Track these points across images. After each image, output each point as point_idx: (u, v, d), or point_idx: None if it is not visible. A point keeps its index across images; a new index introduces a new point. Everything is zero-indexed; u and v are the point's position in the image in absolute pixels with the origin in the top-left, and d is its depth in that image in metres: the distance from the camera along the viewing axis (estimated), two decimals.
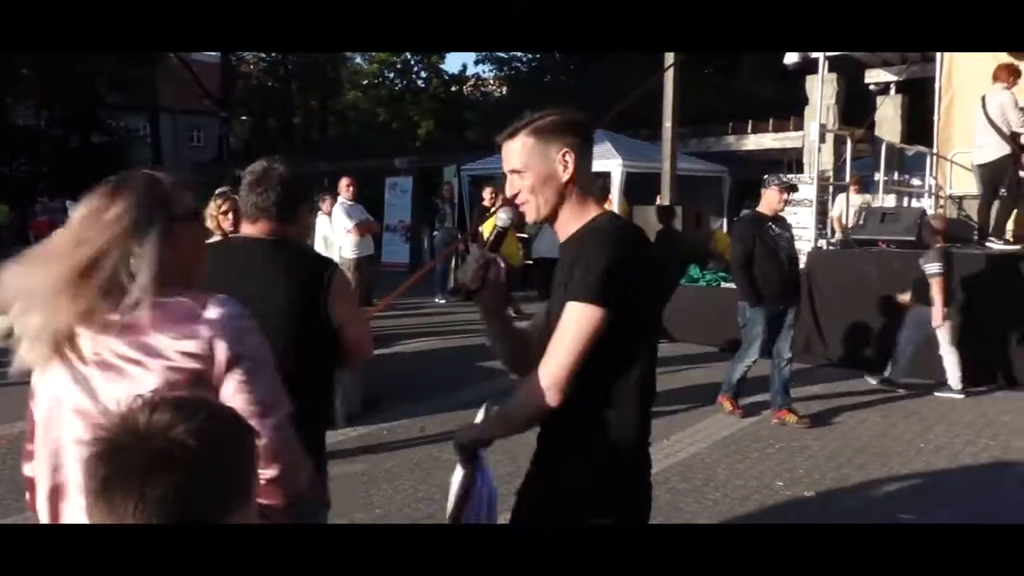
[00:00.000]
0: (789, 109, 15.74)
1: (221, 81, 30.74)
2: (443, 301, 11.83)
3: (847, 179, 10.51)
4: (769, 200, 5.99)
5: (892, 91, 12.41)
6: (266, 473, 1.41)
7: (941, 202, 9.77)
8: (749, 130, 17.54)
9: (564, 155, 1.83)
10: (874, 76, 12.44)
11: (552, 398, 1.71)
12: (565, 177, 1.83)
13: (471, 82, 37.29)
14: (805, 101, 12.38)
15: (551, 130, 1.83)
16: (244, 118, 36.04)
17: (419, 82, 36.23)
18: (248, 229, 2.32)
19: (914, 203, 10.57)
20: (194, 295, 1.49)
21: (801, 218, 9.33)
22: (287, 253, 2.27)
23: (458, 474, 1.94)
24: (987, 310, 7.11)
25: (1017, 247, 7.74)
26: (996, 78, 7.87)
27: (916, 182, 10.94)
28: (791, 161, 14.40)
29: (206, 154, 33.81)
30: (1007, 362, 7.00)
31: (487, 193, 11.06)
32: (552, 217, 1.87)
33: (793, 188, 6.28)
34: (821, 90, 9.90)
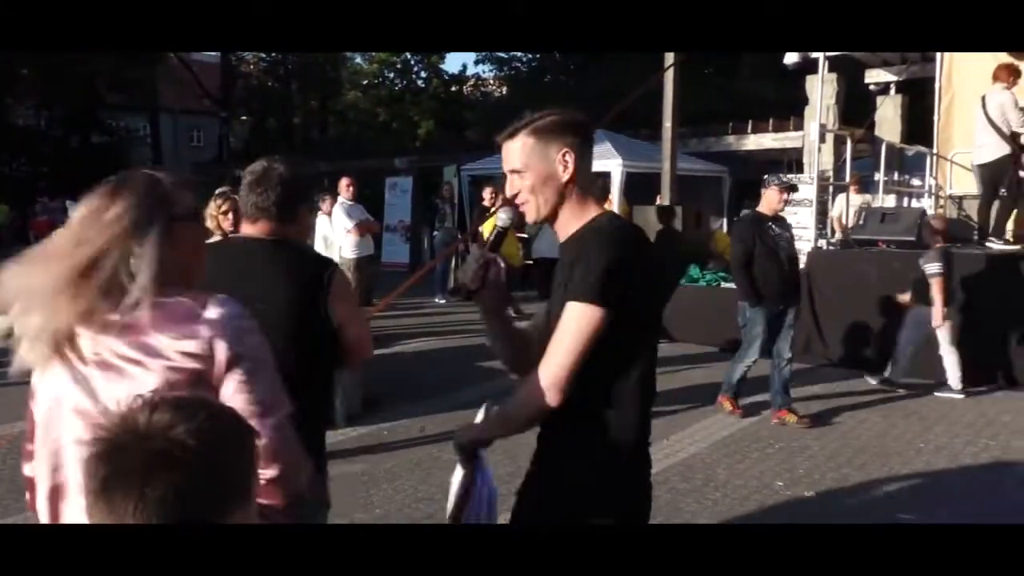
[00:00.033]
0: (789, 109, 15.74)
1: (221, 81, 30.75)
2: (443, 301, 11.83)
3: (847, 179, 10.51)
4: (769, 200, 5.99)
5: (892, 91, 12.41)
6: (266, 473, 1.41)
7: (941, 202, 9.77)
8: (749, 130, 17.54)
9: (564, 155, 1.83)
10: (874, 76, 12.44)
11: (552, 398, 1.71)
12: (565, 177, 1.83)
13: (471, 82, 37.30)
14: (805, 101, 12.38)
15: (551, 130, 1.83)
16: (244, 118, 36.05)
17: (419, 82, 36.24)
18: (248, 229, 2.32)
19: (914, 203, 10.57)
20: (194, 295, 1.49)
21: (801, 218, 9.33)
22: (287, 253, 2.27)
23: (458, 474, 1.94)
24: (987, 310, 7.11)
25: (1017, 247, 7.73)
26: (996, 78, 7.87)
27: (916, 182, 10.94)
28: (791, 161, 14.40)
29: (206, 154, 33.81)
30: (1007, 362, 7.00)
31: (487, 193, 11.06)
32: (552, 217, 1.87)
33: (793, 188, 6.28)
34: (821, 90, 9.90)
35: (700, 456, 5.21)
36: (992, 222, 7.97)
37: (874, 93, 12.65)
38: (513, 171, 1.86)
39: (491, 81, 36.54)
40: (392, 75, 36.21)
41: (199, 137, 36.78)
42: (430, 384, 6.96)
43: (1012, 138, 7.75)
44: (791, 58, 11.57)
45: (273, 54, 32.97)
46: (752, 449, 5.36)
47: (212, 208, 4.28)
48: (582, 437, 1.79)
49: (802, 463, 5.09)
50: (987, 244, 7.82)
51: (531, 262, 12.61)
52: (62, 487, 1.49)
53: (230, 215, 4.27)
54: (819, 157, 9.77)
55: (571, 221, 1.86)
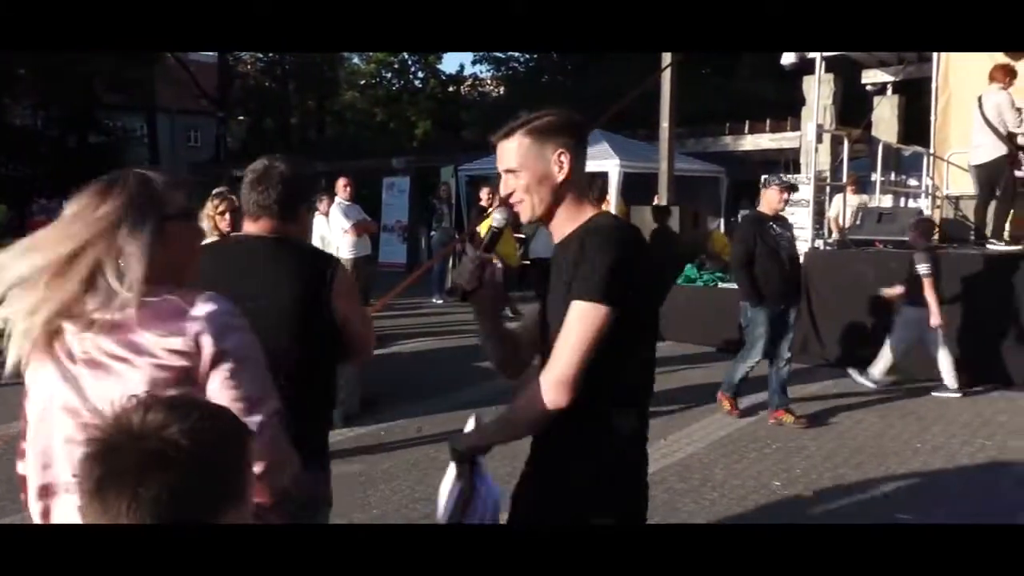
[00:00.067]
0: (786, 109, 15.75)
1: (218, 81, 30.70)
2: (441, 301, 11.83)
3: (844, 179, 10.52)
4: (769, 200, 6.00)
5: (889, 91, 12.43)
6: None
7: (938, 202, 9.79)
8: (746, 130, 17.55)
9: (560, 155, 1.83)
10: (871, 76, 12.45)
11: (561, 398, 1.71)
12: (560, 177, 1.84)
13: (468, 82, 37.29)
14: (802, 101, 12.40)
15: (547, 130, 1.84)
16: (241, 118, 36.01)
17: (416, 82, 36.22)
18: (250, 227, 2.33)
19: (911, 203, 10.59)
20: (183, 293, 1.49)
21: (798, 218, 9.33)
22: (289, 250, 2.29)
23: (447, 481, 1.93)
24: (984, 310, 7.13)
25: (1015, 248, 7.74)
26: (992, 79, 7.88)
27: (913, 182, 10.96)
28: (788, 161, 14.43)
29: (203, 154, 33.77)
30: (1004, 362, 7.01)
31: (484, 193, 11.06)
32: (546, 217, 1.88)
33: (793, 188, 6.30)
34: (818, 90, 9.92)
35: (697, 456, 5.21)
36: (990, 223, 7.98)
37: (871, 93, 12.67)
38: (508, 171, 1.87)
39: (488, 81, 36.54)
40: (389, 75, 36.18)
41: (196, 137, 36.73)
42: (428, 384, 6.97)
43: (1009, 138, 7.77)
44: (788, 59, 11.57)
45: (270, 54, 32.93)
46: (750, 449, 5.37)
47: (209, 208, 4.28)
48: (586, 437, 1.78)
49: (799, 463, 5.09)
50: (988, 245, 7.83)
51: (528, 262, 12.61)
52: (52, 486, 1.50)
53: (227, 215, 4.26)
54: (816, 157, 9.80)
55: (567, 221, 1.87)
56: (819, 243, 9.24)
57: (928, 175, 9.94)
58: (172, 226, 1.52)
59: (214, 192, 4.39)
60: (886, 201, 10.23)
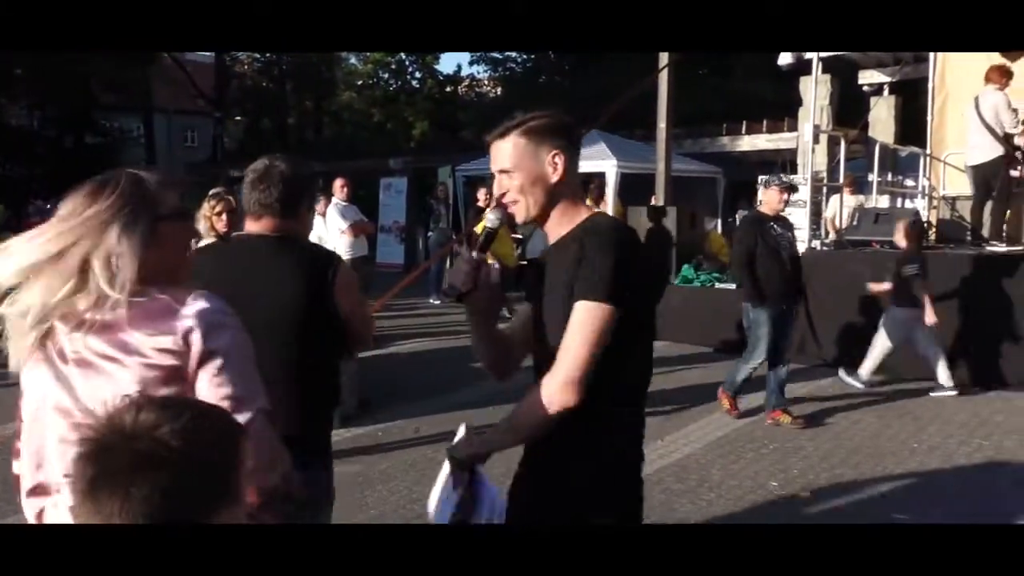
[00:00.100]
0: (783, 110, 15.78)
1: (215, 81, 30.67)
2: (438, 302, 11.82)
3: (841, 180, 10.53)
4: (770, 200, 6.01)
5: (885, 92, 12.46)
6: None
7: (934, 203, 9.80)
8: (743, 131, 17.58)
9: (554, 156, 1.84)
10: (868, 77, 12.48)
11: (571, 398, 1.71)
12: (555, 178, 1.85)
13: (466, 83, 37.29)
14: (799, 102, 12.41)
15: (543, 131, 1.85)
16: (238, 118, 35.99)
17: (414, 83, 36.21)
18: (252, 226, 2.37)
19: (908, 204, 10.61)
20: (174, 292, 1.50)
21: (795, 219, 9.30)
22: (292, 248, 2.33)
23: (440, 484, 1.92)
24: (981, 311, 7.14)
25: (1012, 248, 7.76)
26: (988, 80, 7.90)
27: (910, 183, 10.97)
28: (785, 162, 14.44)
29: (200, 154, 33.73)
30: (1001, 363, 7.02)
31: (482, 194, 11.06)
32: (540, 218, 1.89)
33: (793, 188, 6.34)
34: (815, 91, 9.93)
35: (695, 457, 5.22)
36: (987, 223, 8.00)
37: (868, 94, 12.70)
38: (502, 171, 1.88)
39: (486, 82, 36.55)
40: (387, 75, 36.16)
41: (193, 137, 36.68)
42: (425, 385, 6.96)
43: (1005, 139, 7.78)
44: (785, 59, 11.60)
45: (268, 54, 32.91)
46: (747, 450, 5.37)
47: (206, 209, 4.27)
48: (586, 437, 1.79)
49: (796, 463, 5.10)
50: (987, 246, 7.84)
51: (525, 263, 12.60)
52: (45, 486, 1.51)
53: (224, 216, 4.25)
54: (813, 158, 9.80)
55: (562, 222, 1.88)
56: (816, 244, 9.25)
57: (925, 176, 9.97)
58: (165, 226, 1.53)
59: (211, 193, 4.38)
60: (883, 202, 10.24)
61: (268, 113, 35.60)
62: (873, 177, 9.91)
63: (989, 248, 7.72)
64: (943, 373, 6.63)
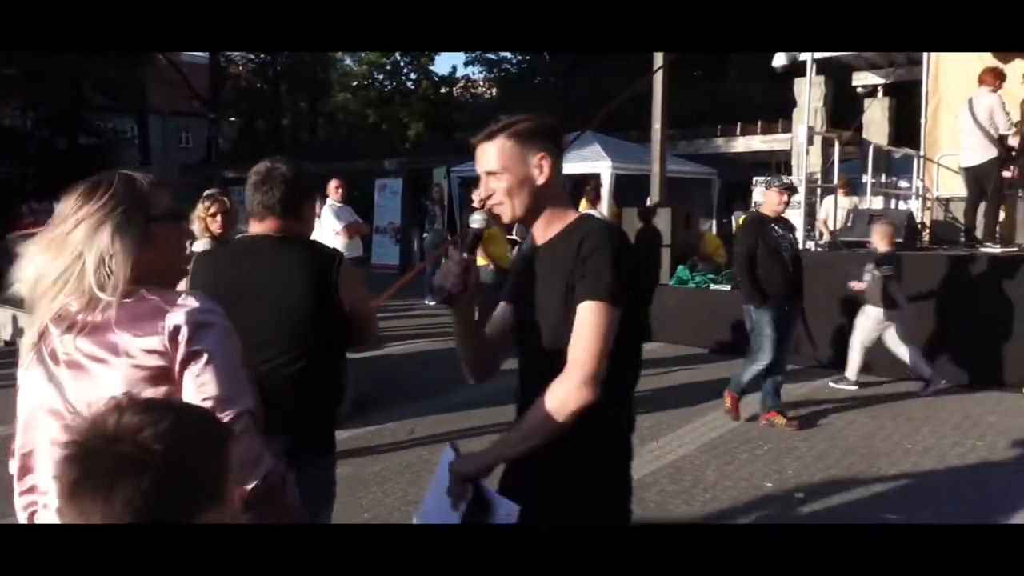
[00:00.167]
0: (777, 111, 15.83)
1: (210, 82, 30.58)
2: (433, 303, 11.80)
3: (835, 181, 10.56)
4: (770, 201, 6.02)
5: (879, 94, 12.49)
6: None
7: (928, 204, 9.83)
8: (738, 132, 17.62)
9: (541, 159, 1.86)
10: (861, 79, 12.51)
11: (589, 395, 1.71)
12: (541, 181, 1.86)
13: (461, 84, 37.27)
14: (793, 103, 12.43)
15: (530, 134, 1.86)
16: (233, 119, 35.92)
17: (409, 84, 36.19)
18: (256, 227, 2.41)
19: (901, 205, 10.64)
20: (164, 292, 1.50)
21: (790, 220, 9.36)
22: (295, 248, 2.38)
23: (436, 485, 1.91)
24: (975, 312, 7.17)
25: (1005, 250, 7.78)
26: (982, 81, 7.92)
27: (903, 184, 11.01)
28: (779, 163, 14.49)
29: (194, 155, 33.68)
30: (993, 363, 7.04)
31: (477, 195, 11.05)
32: (525, 219, 1.90)
33: (794, 189, 6.36)
34: (809, 92, 9.94)
35: (689, 458, 5.22)
36: (980, 224, 8.02)
37: (862, 96, 12.73)
38: (489, 173, 1.89)
39: (481, 83, 36.54)
40: (382, 76, 36.14)
41: (187, 139, 36.63)
42: (419, 386, 6.95)
43: (999, 141, 7.81)
44: (779, 60, 11.62)
45: (262, 55, 32.88)
46: (741, 451, 5.38)
47: (200, 210, 4.26)
48: (586, 437, 1.78)
49: (791, 464, 5.11)
50: (981, 247, 7.86)
51: None
52: (37, 487, 1.52)
53: (218, 217, 4.25)
54: (807, 159, 9.81)
55: (551, 223, 1.89)
56: (810, 245, 9.27)
57: (918, 177, 10.00)
58: (158, 227, 1.53)
59: (205, 194, 4.38)
60: (877, 203, 10.27)
61: (263, 114, 35.57)
62: (867, 178, 9.94)
63: (983, 249, 7.74)
64: (920, 364, 6.79)
